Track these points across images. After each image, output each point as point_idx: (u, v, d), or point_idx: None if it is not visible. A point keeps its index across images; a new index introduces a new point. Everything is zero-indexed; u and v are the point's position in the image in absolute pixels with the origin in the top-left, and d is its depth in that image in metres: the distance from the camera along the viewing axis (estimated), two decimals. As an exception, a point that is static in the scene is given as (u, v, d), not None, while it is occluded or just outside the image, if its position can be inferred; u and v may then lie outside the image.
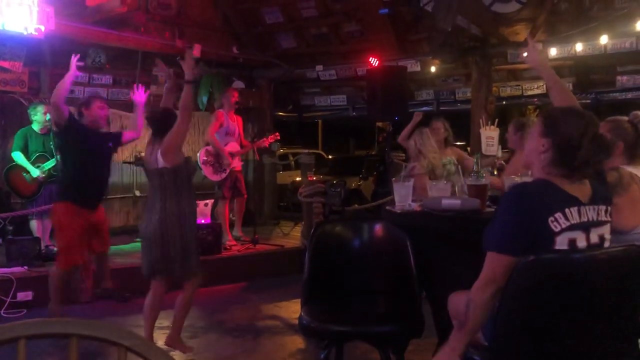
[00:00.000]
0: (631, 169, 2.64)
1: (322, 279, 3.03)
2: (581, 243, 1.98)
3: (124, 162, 8.11)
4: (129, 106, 8.36)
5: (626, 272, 1.98)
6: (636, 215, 2.54)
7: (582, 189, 2.02)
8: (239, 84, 9.11)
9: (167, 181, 3.81)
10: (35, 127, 6.19)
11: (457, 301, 2.29)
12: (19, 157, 6.05)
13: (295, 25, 9.19)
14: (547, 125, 2.08)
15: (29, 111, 6.32)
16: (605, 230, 2.04)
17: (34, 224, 6.17)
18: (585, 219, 1.98)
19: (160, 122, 3.95)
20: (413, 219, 2.98)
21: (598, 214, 2.02)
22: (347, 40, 9.01)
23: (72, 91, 7.81)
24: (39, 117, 6.15)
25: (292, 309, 5.14)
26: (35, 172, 6.04)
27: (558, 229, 1.94)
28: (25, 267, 5.45)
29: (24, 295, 5.14)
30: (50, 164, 6.10)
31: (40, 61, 7.33)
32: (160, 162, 3.83)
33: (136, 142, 7.47)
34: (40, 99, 7.09)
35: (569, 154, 1.99)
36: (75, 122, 4.62)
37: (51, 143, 6.13)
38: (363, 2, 7.99)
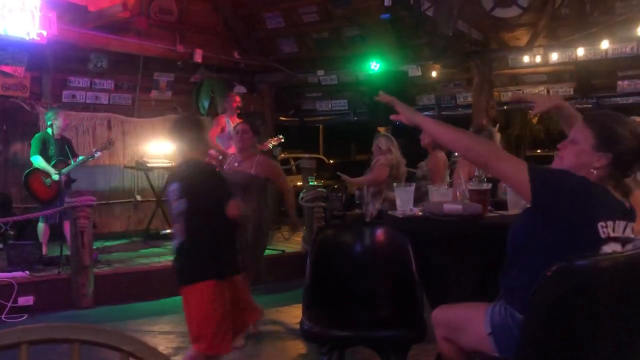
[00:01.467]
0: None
1: (324, 283, 3.02)
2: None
3: (126, 167, 8.11)
4: (130, 110, 8.41)
5: None
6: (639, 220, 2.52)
7: (625, 201, 1.93)
8: (240, 89, 9.13)
9: None
10: (51, 131, 6.25)
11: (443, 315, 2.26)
12: (39, 160, 6.09)
13: (296, 30, 9.21)
14: (603, 139, 1.92)
15: (46, 116, 6.38)
16: (634, 246, 1.92)
17: (41, 227, 6.16)
18: (624, 234, 1.89)
19: None
20: (414, 223, 2.98)
21: (632, 230, 1.92)
22: (348, 45, 9.03)
23: (73, 96, 7.86)
24: (59, 122, 6.21)
25: (294, 314, 5.12)
26: (55, 176, 6.11)
27: (604, 235, 1.84)
28: (27, 272, 5.44)
29: (25, 300, 5.14)
30: (69, 168, 6.20)
31: (43, 66, 7.36)
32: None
33: (137, 146, 7.52)
34: (42, 104, 7.12)
35: (627, 166, 1.92)
36: None
37: (67, 147, 6.28)
38: (364, 7, 8.01)
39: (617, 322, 1.83)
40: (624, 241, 1.88)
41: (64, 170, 6.16)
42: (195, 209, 2.90)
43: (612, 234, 1.84)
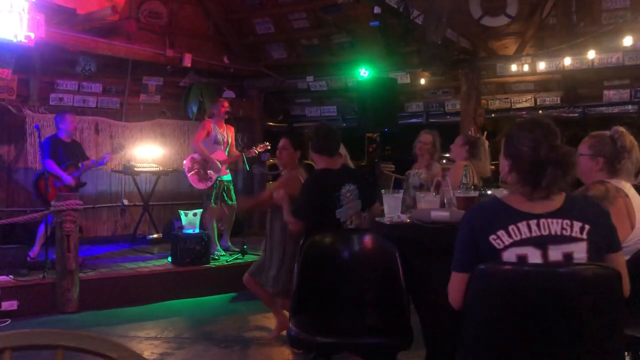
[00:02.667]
0: (615, 183, 2.66)
1: (311, 290, 3.02)
2: (534, 259, 1.91)
3: (113, 171, 8.07)
4: (118, 114, 8.36)
5: (578, 291, 1.87)
6: (623, 229, 2.55)
7: (545, 204, 1.95)
8: (229, 94, 9.12)
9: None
10: (62, 135, 6.34)
11: None
12: (50, 164, 6.13)
13: (286, 36, 9.23)
14: (506, 146, 2.05)
15: (55, 119, 6.47)
16: (576, 250, 1.91)
17: (42, 230, 6.10)
18: (538, 234, 1.91)
19: None
20: (402, 230, 2.98)
21: (563, 229, 1.92)
22: (338, 52, 9.06)
23: (60, 99, 7.81)
24: (67, 125, 6.32)
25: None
26: (67, 179, 6.19)
27: (501, 246, 1.92)
28: (11, 277, 5.38)
29: (9, 305, 5.08)
30: (79, 171, 6.31)
31: (30, 68, 7.31)
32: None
33: (125, 150, 7.48)
34: (29, 107, 7.08)
35: (530, 172, 1.95)
36: None
37: (78, 151, 6.44)
38: (354, 14, 8.04)
39: (527, 329, 1.88)
40: (540, 242, 1.91)
41: (75, 174, 6.29)
42: None
43: (508, 241, 1.92)
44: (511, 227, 1.93)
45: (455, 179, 4.47)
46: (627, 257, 2.48)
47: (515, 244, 1.92)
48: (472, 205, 2.24)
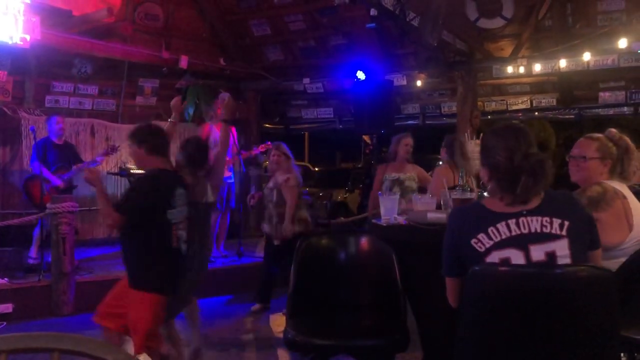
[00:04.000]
0: (614, 185, 2.66)
1: (308, 292, 3.02)
2: (517, 261, 1.90)
3: (108, 173, 8.04)
4: (114, 116, 8.35)
5: (578, 291, 1.87)
6: (621, 230, 2.54)
7: (522, 202, 1.96)
8: (225, 96, 9.10)
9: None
10: (53, 137, 6.30)
11: None
12: (37, 167, 6.08)
13: (282, 38, 9.23)
14: (482, 155, 2.08)
15: (46, 122, 6.45)
16: (558, 247, 1.91)
17: (37, 233, 6.08)
18: (518, 232, 1.91)
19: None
20: (398, 232, 2.98)
21: (543, 226, 1.91)
22: (334, 54, 9.06)
23: (56, 101, 7.79)
24: (52, 126, 6.28)
25: (277, 322, 5.11)
26: (56, 181, 6.13)
27: (482, 249, 1.93)
28: (6, 279, 5.36)
29: (4, 308, 5.06)
30: (70, 174, 6.24)
31: (25, 70, 7.29)
32: (211, 197, 3.81)
33: (120, 152, 7.46)
34: (24, 109, 7.06)
35: (506, 180, 1.96)
36: None
37: (71, 153, 6.37)
38: (350, 16, 8.05)
39: (516, 330, 1.89)
40: (521, 241, 1.91)
41: (65, 177, 6.22)
42: None
43: (488, 243, 1.92)
44: (490, 229, 1.94)
45: (435, 181, 4.74)
46: (625, 259, 2.48)
47: (496, 245, 1.92)
48: (454, 208, 2.25)
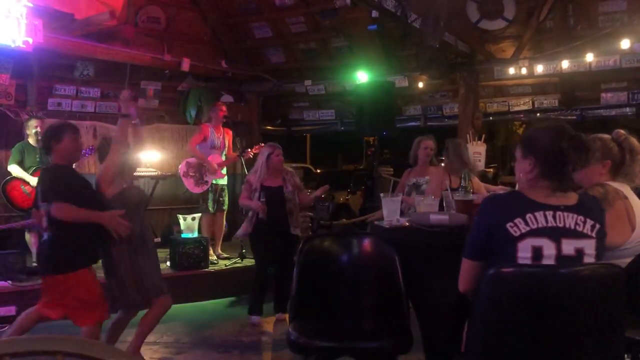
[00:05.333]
0: (616, 186, 2.66)
1: (311, 294, 3.02)
2: (549, 251, 1.96)
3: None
4: (116, 119, 8.34)
5: (593, 291, 1.90)
6: (623, 231, 2.54)
7: (561, 197, 2.03)
8: (227, 98, 9.12)
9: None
10: (31, 140, 6.19)
11: None
12: (15, 169, 6.05)
13: (284, 40, 9.24)
14: (525, 146, 2.13)
15: (25, 124, 6.35)
16: (587, 246, 1.99)
17: (27, 237, 6.07)
18: (554, 224, 1.97)
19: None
20: (401, 234, 2.98)
21: (577, 224, 1.99)
22: (336, 56, 9.07)
23: (59, 104, 7.80)
24: (31, 130, 6.17)
25: (280, 324, 5.11)
26: (35, 182, 6.04)
27: (517, 233, 1.97)
28: (8, 282, 5.36)
29: (7, 310, 5.06)
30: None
31: (28, 74, 7.30)
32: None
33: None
34: (27, 111, 7.05)
35: (554, 163, 2.03)
36: None
37: (42, 156, 6.12)
38: (352, 18, 8.06)
39: (541, 331, 1.90)
40: (554, 233, 1.97)
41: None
42: None
43: (524, 229, 1.97)
44: (528, 216, 1.98)
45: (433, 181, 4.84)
46: (628, 259, 2.48)
47: (531, 232, 1.97)
48: (489, 196, 2.30)
